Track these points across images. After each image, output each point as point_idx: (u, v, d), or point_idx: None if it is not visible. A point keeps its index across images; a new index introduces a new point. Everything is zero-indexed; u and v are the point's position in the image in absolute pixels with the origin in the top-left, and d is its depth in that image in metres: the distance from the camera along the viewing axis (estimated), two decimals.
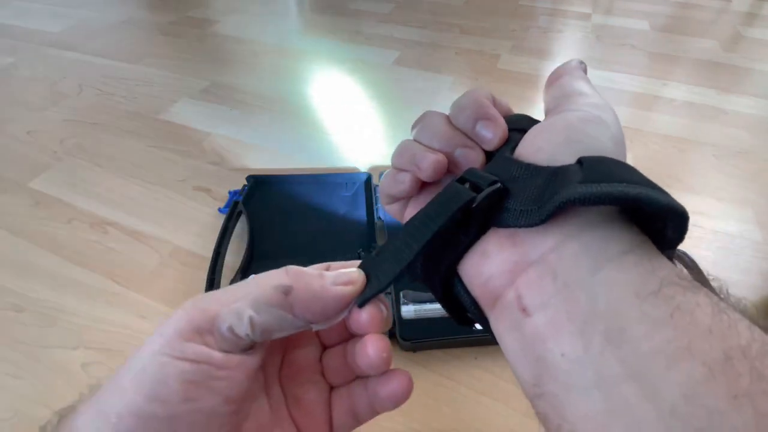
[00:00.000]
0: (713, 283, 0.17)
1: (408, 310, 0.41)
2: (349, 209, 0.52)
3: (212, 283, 0.43)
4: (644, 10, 1.19)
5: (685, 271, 0.14)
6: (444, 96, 0.80)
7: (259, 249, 0.47)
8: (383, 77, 0.86)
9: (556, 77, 0.21)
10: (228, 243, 0.48)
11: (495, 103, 0.21)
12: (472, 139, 0.20)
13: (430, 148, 0.20)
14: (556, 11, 1.17)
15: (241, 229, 0.50)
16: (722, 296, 0.14)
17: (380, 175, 0.25)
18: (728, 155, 0.66)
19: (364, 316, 0.18)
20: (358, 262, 0.20)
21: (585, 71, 0.21)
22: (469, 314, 0.20)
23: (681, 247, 0.16)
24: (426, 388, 0.37)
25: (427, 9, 1.16)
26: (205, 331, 0.16)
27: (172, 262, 0.48)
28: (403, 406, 0.20)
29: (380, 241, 0.49)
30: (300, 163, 0.63)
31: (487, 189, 0.17)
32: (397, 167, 0.21)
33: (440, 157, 0.20)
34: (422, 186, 0.21)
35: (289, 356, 0.21)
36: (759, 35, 1.06)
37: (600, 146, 0.17)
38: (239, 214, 0.51)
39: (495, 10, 1.15)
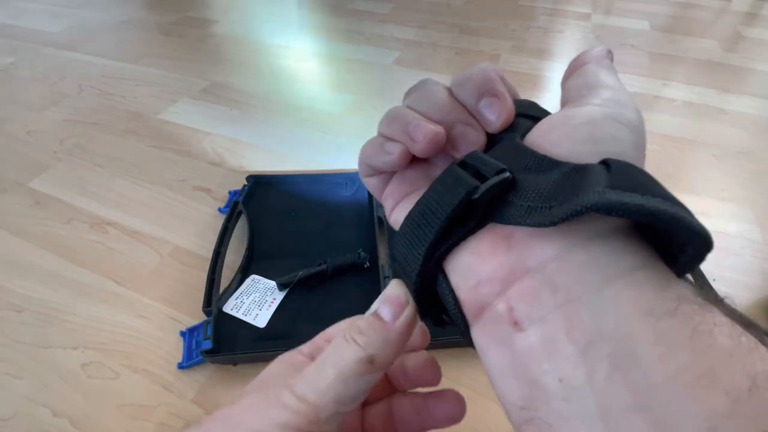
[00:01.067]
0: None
1: None
2: (349, 209, 0.52)
3: (212, 283, 0.43)
4: (644, 10, 1.19)
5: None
6: None
7: (259, 249, 0.47)
8: (383, 77, 0.86)
9: (579, 63, 0.18)
10: (228, 243, 0.48)
11: (504, 82, 0.19)
12: (474, 117, 0.18)
13: (426, 118, 0.18)
14: (556, 11, 1.17)
15: (241, 229, 0.50)
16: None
17: None
18: (728, 155, 0.66)
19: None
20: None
21: (612, 59, 0.18)
22: (444, 316, 0.18)
23: None
24: None
25: (426, 9, 1.16)
26: (309, 423, 0.16)
27: (172, 262, 0.48)
28: None
29: (380, 241, 0.49)
30: (300, 163, 0.63)
31: (494, 178, 0.14)
32: (386, 136, 0.19)
33: (439, 129, 0.17)
34: (411, 160, 0.18)
35: None
36: (759, 35, 1.06)
37: (621, 151, 0.14)
38: (239, 214, 0.51)
39: (495, 10, 1.15)
